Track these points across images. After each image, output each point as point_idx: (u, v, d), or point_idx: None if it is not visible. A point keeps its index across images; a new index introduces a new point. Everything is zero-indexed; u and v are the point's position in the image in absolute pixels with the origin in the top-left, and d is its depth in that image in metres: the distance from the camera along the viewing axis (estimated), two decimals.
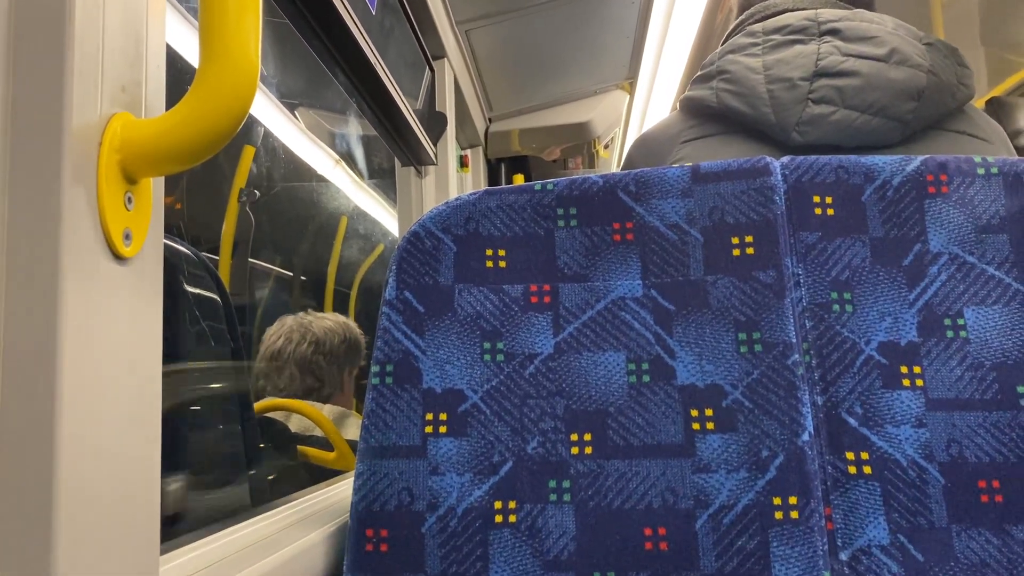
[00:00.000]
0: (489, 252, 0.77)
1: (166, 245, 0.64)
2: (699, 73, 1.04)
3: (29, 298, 0.41)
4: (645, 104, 3.26)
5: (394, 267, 0.77)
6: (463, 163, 2.59)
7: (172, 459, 0.77)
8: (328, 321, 2.01)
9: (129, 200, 0.46)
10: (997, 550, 0.66)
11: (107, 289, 0.44)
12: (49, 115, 0.42)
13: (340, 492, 0.94)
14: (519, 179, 3.15)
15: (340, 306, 4.04)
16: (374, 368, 0.75)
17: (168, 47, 0.53)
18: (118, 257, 0.45)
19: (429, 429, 0.73)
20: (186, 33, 1.69)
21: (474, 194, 0.79)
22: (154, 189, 0.49)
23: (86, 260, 0.42)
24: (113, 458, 0.44)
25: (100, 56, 0.44)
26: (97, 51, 0.44)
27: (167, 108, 0.49)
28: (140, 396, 0.47)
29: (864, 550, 0.67)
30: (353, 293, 4.23)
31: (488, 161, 2.99)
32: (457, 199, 0.79)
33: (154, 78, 0.50)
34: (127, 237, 0.45)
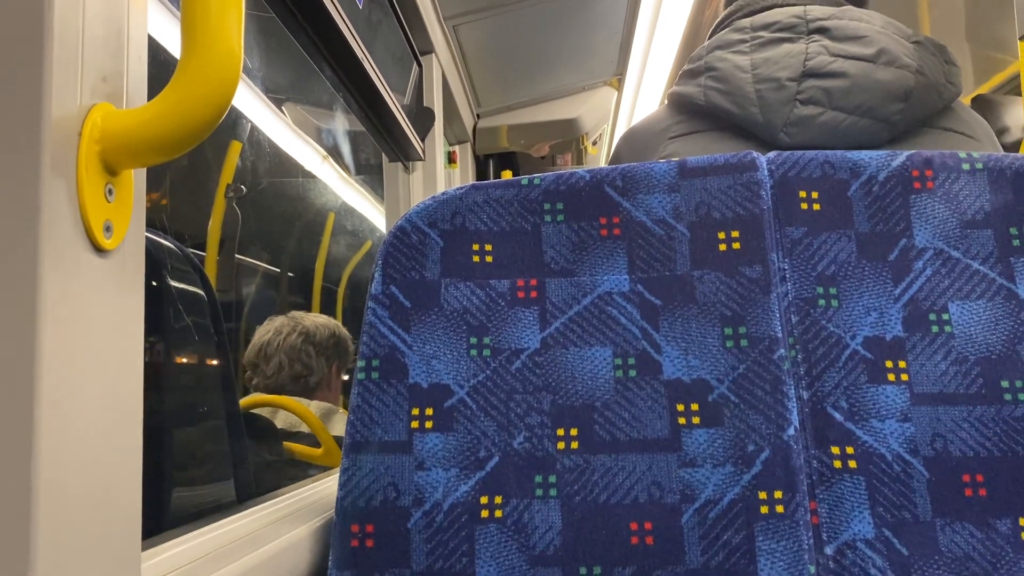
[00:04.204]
0: (475, 247, 0.77)
1: (149, 239, 0.63)
2: (687, 67, 1.04)
3: (7, 291, 0.40)
4: (633, 100, 3.26)
5: (380, 262, 0.77)
6: (451, 159, 2.59)
7: (154, 455, 0.77)
8: (319, 318, 2.03)
9: (110, 192, 0.45)
10: (980, 543, 0.66)
11: (87, 281, 0.44)
12: (28, 106, 0.41)
13: (326, 488, 0.94)
14: (507, 175, 3.14)
15: (328, 302, 4.03)
16: (360, 363, 0.75)
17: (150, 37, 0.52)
18: (98, 249, 0.45)
19: (415, 424, 0.73)
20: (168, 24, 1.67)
21: (460, 189, 0.78)
22: (136, 181, 0.49)
23: (65, 252, 0.42)
24: (93, 454, 0.44)
25: (80, 46, 0.44)
26: (77, 41, 0.44)
27: (149, 99, 0.49)
28: (121, 390, 0.47)
29: (849, 544, 0.67)
30: (341, 289, 4.22)
31: (476, 157, 2.98)
32: (444, 194, 0.79)
33: (136, 68, 0.50)
34: (107, 229, 0.45)
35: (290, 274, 3.80)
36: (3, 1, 0.42)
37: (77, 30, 0.44)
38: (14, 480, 0.39)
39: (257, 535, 0.70)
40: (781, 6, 1.02)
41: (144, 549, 0.54)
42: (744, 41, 0.99)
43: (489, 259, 0.77)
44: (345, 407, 2.02)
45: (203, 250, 2.71)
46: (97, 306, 0.44)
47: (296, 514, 0.79)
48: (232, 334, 2.95)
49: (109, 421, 0.45)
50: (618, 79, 2.90)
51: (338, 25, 1.25)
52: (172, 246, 0.88)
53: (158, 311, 0.80)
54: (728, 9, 1.09)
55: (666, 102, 1.08)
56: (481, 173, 3.07)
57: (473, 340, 0.75)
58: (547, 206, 0.78)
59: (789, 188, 0.76)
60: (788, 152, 0.77)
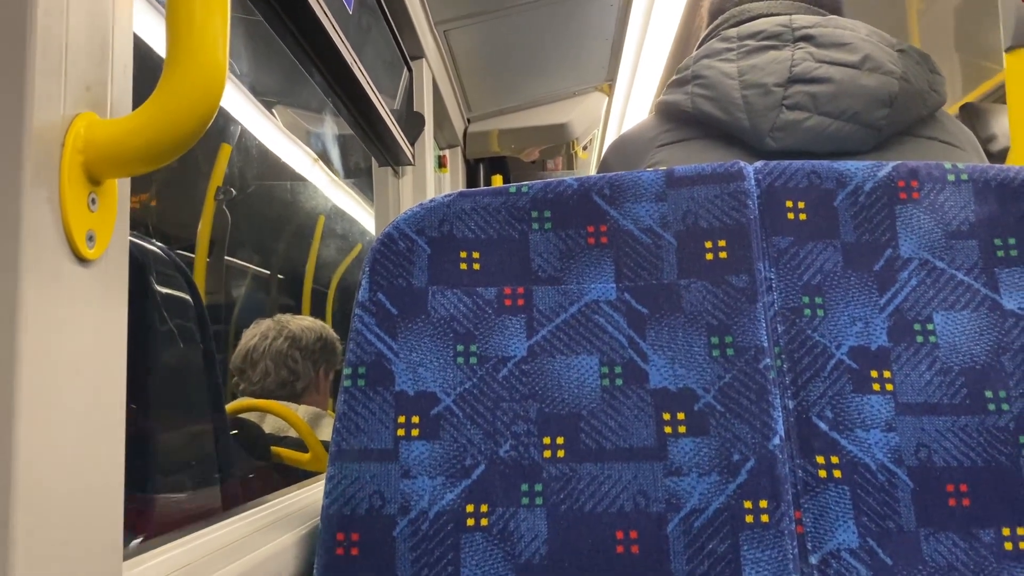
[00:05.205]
0: (463, 254, 0.77)
1: (135, 244, 0.63)
2: (675, 77, 1.04)
3: None
4: (623, 106, 3.27)
5: (367, 269, 0.77)
6: (441, 163, 2.58)
7: (139, 462, 0.76)
8: (305, 320, 2.01)
9: (93, 201, 0.45)
10: (964, 553, 0.67)
11: (69, 292, 0.43)
12: (10, 115, 0.41)
13: (311, 495, 0.94)
14: (497, 179, 3.15)
15: (318, 305, 4.02)
16: (346, 370, 0.75)
17: (137, 39, 0.52)
18: (80, 259, 0.44)
19: (401, 432, 0.73)
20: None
21: (448, 196, 0.78)
22: (120, 190, 0.48)
23: (47, 262, 0.42)
24: (74, 464, 0.44)
25: (64, 54, 0.44)
26: (61, 49, 0.43)
27: (135, 107, 0.49)
28: (103, 401, 0.47)
29: (834, 554, 0.67)
30: (331, 292, 4.21)
31: (467, 161, 2.98)
32: (431, 201, 0.78)
33: (120, 77, 0.49)
34: (90, 239, 0.45)
35: (280, 276, 3.79)
36: None
37: (61, 39, 0.43)
38: None
39: (241, 543, 0.70)
40: (767, 16, 1.03)
41: (126, 559, 0.54)
42: (731, 49, 1.00)
43: (476, 267, 0.77)
44: (334, 411, 2.01)
45: (192, 252, 2.70)
46: (79, 317, 0.44)
47: (281, 521, 0.79)
48: (221, 336, 2.94)
49: (91, 432, 0.45)
50: (609, 84, 2.91)
51: (327, 30, 1.25)
52: (158, 250, 0.88)
53: (143, 317, 0.79)
54: (715, 21, 1.10)
55: (654, 111, 1.09)
56: (471, 177, 3.07)
57: (460, 348, 0.75)
58: (535, 214, 0.78)
59: (775, 198, 0.76)
60: (775, 162, 0.78)
